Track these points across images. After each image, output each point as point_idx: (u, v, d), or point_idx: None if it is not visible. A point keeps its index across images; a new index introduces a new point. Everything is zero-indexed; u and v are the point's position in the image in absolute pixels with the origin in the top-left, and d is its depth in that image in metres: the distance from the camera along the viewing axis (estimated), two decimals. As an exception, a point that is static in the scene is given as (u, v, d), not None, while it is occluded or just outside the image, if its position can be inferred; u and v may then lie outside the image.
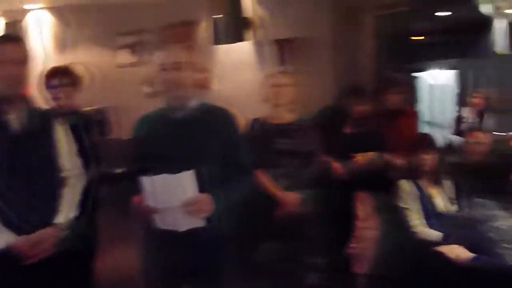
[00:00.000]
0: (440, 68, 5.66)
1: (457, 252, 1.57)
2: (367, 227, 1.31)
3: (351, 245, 1.35)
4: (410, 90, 2.84)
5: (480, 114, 4.30)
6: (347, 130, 2.57)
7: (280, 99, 2.10)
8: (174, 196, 1.36)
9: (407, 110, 2.84)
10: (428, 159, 2.14)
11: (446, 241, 1.79)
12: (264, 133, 2.10)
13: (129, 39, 4.09)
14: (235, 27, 3.50)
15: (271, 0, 3.52)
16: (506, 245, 1.47)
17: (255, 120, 2.16)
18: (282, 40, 3.43)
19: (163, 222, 1.41)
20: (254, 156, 1.62)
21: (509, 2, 3.96)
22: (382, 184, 2.11)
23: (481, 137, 2.54)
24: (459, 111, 4.47)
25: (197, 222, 1.40)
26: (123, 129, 2.33)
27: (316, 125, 2.23)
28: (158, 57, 1.56)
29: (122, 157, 1.72)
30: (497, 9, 4.02)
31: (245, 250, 1.79)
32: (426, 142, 2.26)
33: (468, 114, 4.28)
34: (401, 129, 2.66)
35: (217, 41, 3.64)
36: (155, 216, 1.40)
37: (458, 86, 5.32)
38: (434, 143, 2.28)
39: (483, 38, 5.03)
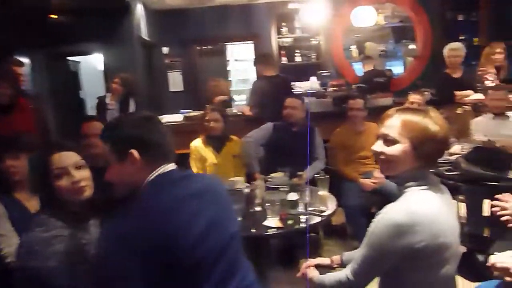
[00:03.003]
0: (85, 52, 5.50)
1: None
2: None
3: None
4: (15, 81, 2.51)
5: (125, 100, 4.42)
6: None
7: None
8: None
9: (21, 104, 2.46)
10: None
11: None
12: None
13: None
14: None
15: None
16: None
17: None
18: None
19: None
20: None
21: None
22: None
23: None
24: (103, 97, 4.41)
25: None
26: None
27: None
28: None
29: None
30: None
31: None
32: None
33: (110, 100, 4.29)
34: (16, 126, 2.28)
35: None
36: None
37: (104, 71, 5.32)
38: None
39: (126, 21, 5.19)
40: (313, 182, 2.62)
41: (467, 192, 3.23)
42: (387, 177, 1.91)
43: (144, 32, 5.65)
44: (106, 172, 1.28)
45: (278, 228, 2.01)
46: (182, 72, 6.04)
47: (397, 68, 7.31)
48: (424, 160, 1.31)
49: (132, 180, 1.25)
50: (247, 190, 2.27)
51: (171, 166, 1.29)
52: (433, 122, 1.30)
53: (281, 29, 6.18)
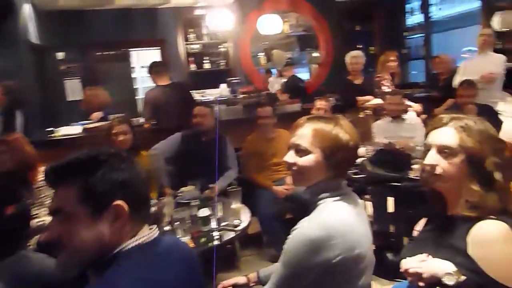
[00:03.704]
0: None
1: None
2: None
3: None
4: None
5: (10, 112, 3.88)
6: None
7: None
8: None
9: None
10: None
11: None
12: None
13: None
14: None
15: None
16: None
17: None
18: None
19: None
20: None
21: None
22: None
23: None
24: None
25: None
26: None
27: None
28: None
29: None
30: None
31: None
32: None
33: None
34: None
35: None
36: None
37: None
38: None
39: (9, 23, 4.57)
40: (226, 192, 2.51)
41: (372, 192, 3.40)
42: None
43: (33, 35, 5.05)
44: (50, 230, 0.89)
45: (189, 248, 1.84)
46: (82, 80, 5.52)
47: (303, 75, 7.60)
48: (336, 170, 1.28)
49: (97, 246, 0.89)
50: (153, 209, 2.07)
51: (154, 230, 0.99)
52: (343, 130, 1.28)
53: (189, 35, 6.01)
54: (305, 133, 1.29)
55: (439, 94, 4.68)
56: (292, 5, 6.27)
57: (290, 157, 1.31)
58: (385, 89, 4.31)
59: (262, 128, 3.42)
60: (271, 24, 6.00)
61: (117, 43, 5.79)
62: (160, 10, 5.75)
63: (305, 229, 1.20)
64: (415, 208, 2.19)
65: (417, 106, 4.45)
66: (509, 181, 1.24)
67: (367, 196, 3.68)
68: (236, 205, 2.12)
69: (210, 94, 5.85)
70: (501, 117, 4.08)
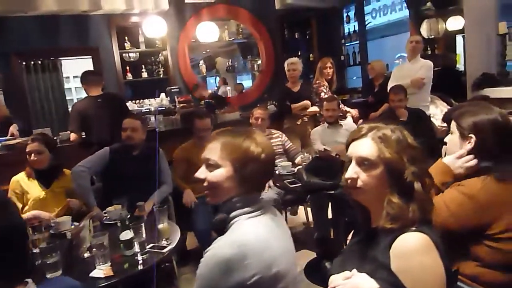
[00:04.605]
0: None
1: None
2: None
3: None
4: None
5: None
6: None
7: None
8: None
9: None
10: None
11: None
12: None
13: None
14: None
15: None
16: None
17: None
18: None
19: None
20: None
21: None
22: None
23: None
24: None
25: None
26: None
27: None
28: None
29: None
30: None
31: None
32: None
33: None
34: None
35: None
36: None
37: None
38: None
39: None
40: (152, 211, 2.34)
41: (311, 200, 3.39)
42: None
43: None
44: None
45: (108, 277, 1.67)
46: (4, 91, 5.07)
47: (247, 82, 7.59)
48: (250, 184, 1.22)
49: None
50: (69, 234, 1.87)
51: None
52: (255, 143, 1.22)
53: (124, 44, 5.74)
54: (215, 146, 1.23)
55: (375, 99, 4.81)
56: (230, 13, 6.21)
57: (201, 172, 1.25)
58: (323, 95, 4.35)
59: (199, 138, 3.31)
60: (209, 32, 5.89)
61: (44, 51, 5.40)
62: (91, 17, 5.45)
63: (217, 249, 1.13)
64: (350, 216, 2.17)
65: (354, 112, 4.54)
66: (428, 191, 1.22)
67: (307, 204, 3.68)
68: (163, 224, 1.97)
69: (149, 104, 5.64)
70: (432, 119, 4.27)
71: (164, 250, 1.88)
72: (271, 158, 1.26)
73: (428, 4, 5.61)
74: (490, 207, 1.39)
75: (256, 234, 1.16)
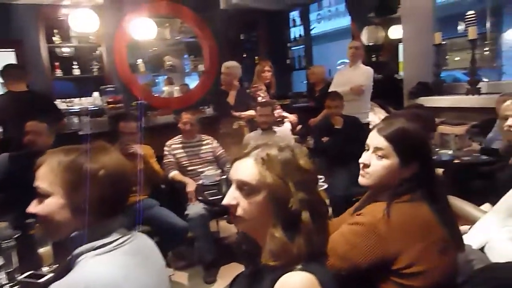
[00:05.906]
0: None
1: None
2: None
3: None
4: None
5: None
6: None
7: None
8: None
9: None
10: None
11: None
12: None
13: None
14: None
15: None
16: None
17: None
18: None
19: None
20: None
21: None
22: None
23: None
24: None
25: None
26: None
27: None
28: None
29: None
30: None
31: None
32: None
33: None
34: None
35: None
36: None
37: None
38: None
39: None
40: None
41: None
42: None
43: None
44: None
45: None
46: None
47: (194, 83, 7.30)
48: (92, 211, 0.97)
49: None
50: None
51: None
52: (91, 159, 0.98)
53: (53, 37, 5.28)
54: (43, 171, 0.98)
55: (316, 104, 4.72)
56: (173, 11, 5.91)
57: (32, 206, 1.00)
58: (260, 99, 4.19)
59: (123, 143, 3.02)
60: (146, 29, 5.56)
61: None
62: (15, 6, 4.97)
63: None
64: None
65: (292, 117, 4.42)
66: (319, 220, 1.05)
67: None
68: (45, 248, 1.69)
69: (79, 104, 5.23)
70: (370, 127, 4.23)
71: (42, 280, 1.59)
72: (117, 174, 1.02)
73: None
74: (394, 237, 1.22)
75: (103, 275, 0.93)
